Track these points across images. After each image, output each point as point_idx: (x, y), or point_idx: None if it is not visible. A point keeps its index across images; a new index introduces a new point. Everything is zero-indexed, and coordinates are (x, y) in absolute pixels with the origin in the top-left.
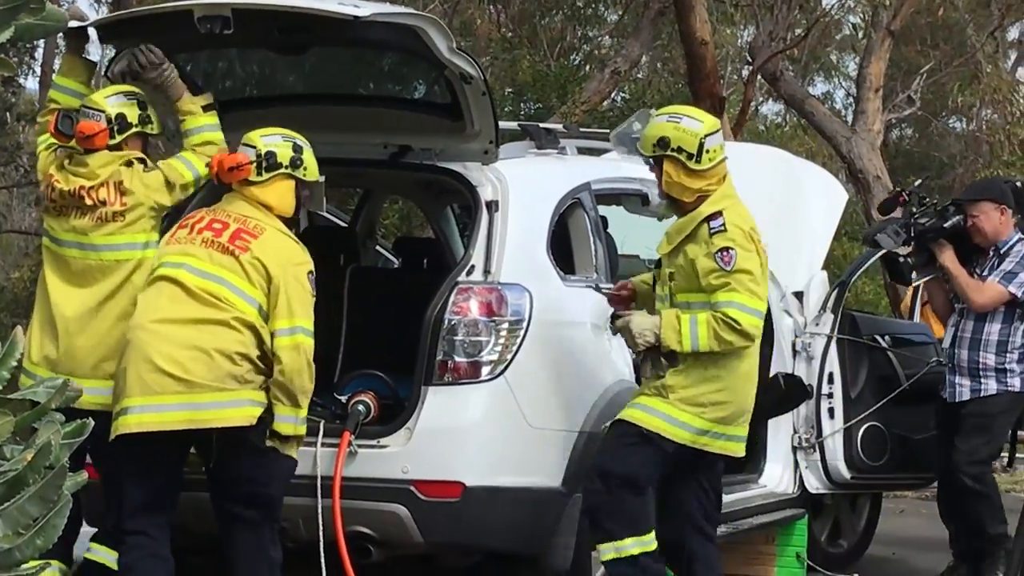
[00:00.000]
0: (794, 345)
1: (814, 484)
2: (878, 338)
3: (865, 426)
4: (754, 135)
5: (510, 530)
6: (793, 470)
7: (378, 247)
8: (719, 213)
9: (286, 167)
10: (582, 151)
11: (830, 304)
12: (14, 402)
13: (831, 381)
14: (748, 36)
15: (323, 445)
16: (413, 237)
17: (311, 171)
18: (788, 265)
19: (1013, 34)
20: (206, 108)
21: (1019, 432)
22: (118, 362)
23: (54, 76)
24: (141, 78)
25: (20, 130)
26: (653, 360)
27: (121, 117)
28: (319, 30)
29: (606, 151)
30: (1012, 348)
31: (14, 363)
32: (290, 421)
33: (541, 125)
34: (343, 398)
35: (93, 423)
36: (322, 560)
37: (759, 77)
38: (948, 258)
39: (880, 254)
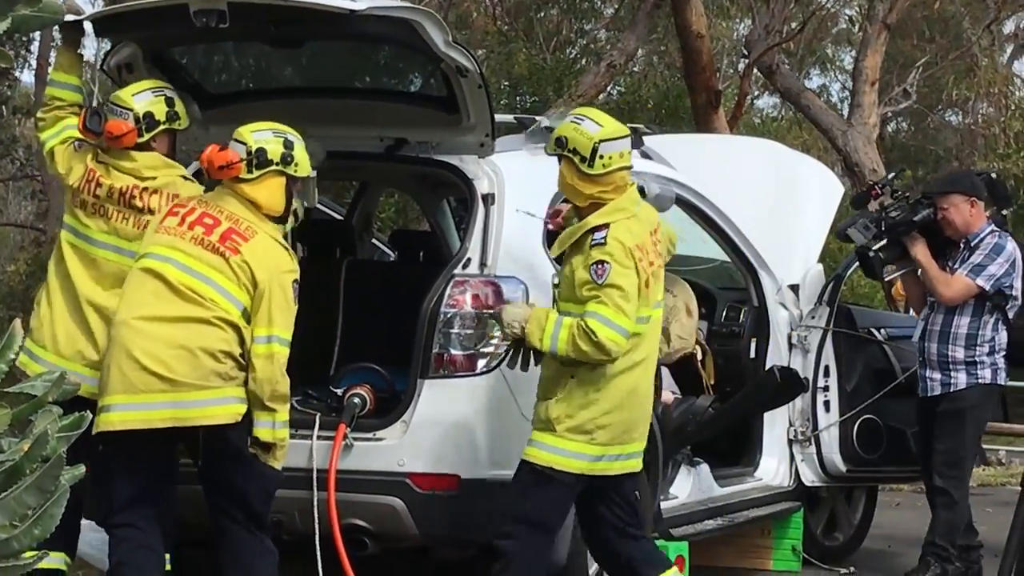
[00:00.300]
0: (790, 338)
1: (810, 477)
2: (874, 331)
3: (861, 419)
4: (750, 128)
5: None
6: (789, 463)
7: (374, 240)
8: (605, 226)
9: (276, 164)
10: None
11: (826, 297)
12: (11, 395)
13: (827, 374)
14: (744, 29)
15: (319, 438)
16: (409, 230)
17: (302, 167)
18: (784, 258)
19: (1009, 27)
20: None
21: (1006, 424)
22: (103, 357)
23: (50, 72)
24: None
25: (16, 123)
26: (521, 354)
27: (149, 115)
28: (315, 24)
29: None
30: (982, 341)
31: (12, 355)
32: (267, 425)
33: (537, 119)
34: (339, 391)
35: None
36: (318, 553)
37: (755, 70)
38: (920, 251)
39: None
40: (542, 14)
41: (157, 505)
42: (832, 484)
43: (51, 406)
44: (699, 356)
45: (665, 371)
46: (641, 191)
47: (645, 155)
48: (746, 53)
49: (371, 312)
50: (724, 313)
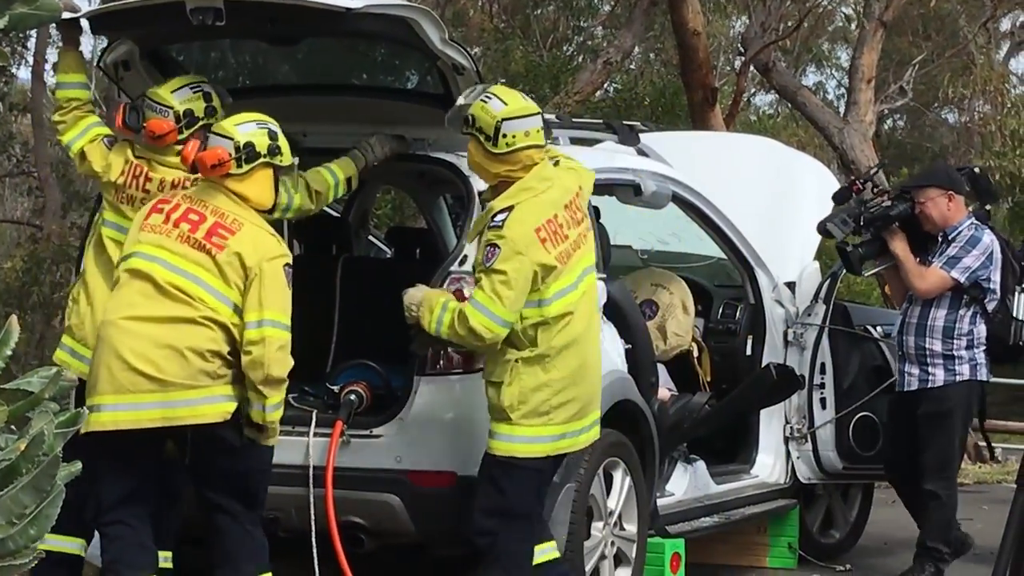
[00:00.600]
0: (786, 335)
1: (806, 474)
2: (870, 328)
3: (857, 416)
4: (746, 126)
5: None
6: (785, 460)
7: (371, 237)
8: (508, 208)
9: (264, 156)
10: (575, 141)
11: (822, 294)
12: (7, 392)
13: (823, 371)
14: (740, 27)
15: (316, 435)
16: (406, 227)
17: (286, 155)
18: (780, 255)
19: (1005, 25)
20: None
21: (988, 421)
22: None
23: (57, 75)
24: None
25: (12, 120)
26: (421, 338)
27: (189, 113)
28: (311, 21)
29: (599, 141)
30: (959, 334)
31: (8, 352)
32: (257, 409)
33: None
34: (336, 388)
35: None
36: (314, 550)
37: (751, 68)
38: (898, 245)
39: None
40: (539, 11)
41: (147, 503)
42: (828, 481)
43: (48, 403)
44: (695, 353)
45: (661, 368)
46: (636, 188)
47: (642, 152)
48: (742, 51)
49: (368, 309)
50: (720, 310)
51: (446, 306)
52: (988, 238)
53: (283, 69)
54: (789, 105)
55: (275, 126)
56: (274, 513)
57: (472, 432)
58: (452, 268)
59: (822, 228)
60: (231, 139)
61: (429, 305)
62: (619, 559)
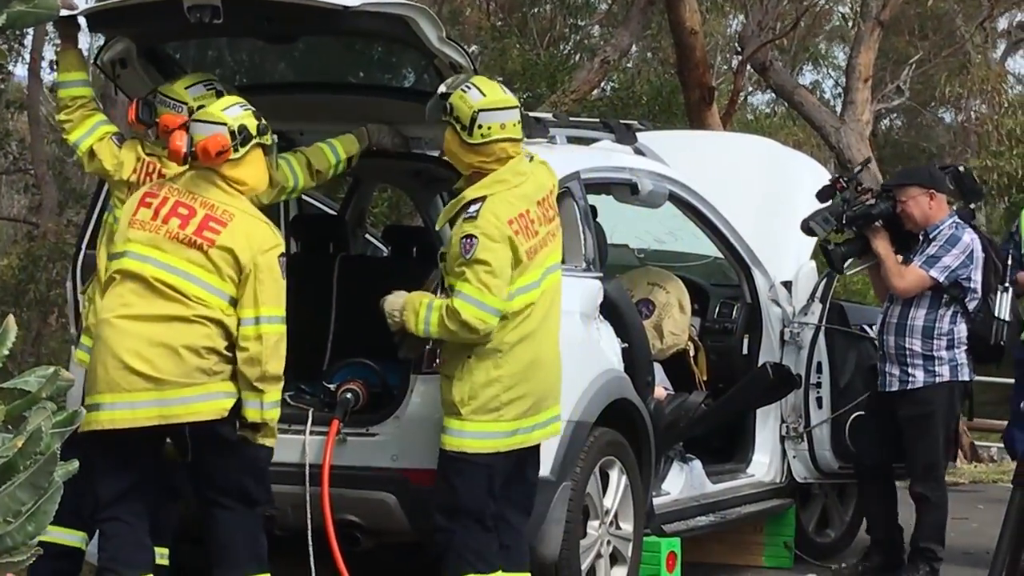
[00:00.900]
0: (782, 335)
1: (802, 473)
2: (866, 328)
3: (853, 416)
4: (743, 125)
5: None
6: (781, 459)
7: (367, 235)
8: (481, 199)
9: (256, 136)
10: (571, 140)
11: (818, 294)
12: (5, 391)
13: (819, 370)
14: (737, 26)
15: (312, 433)
16: (402, 225)
17: (268, 135)
18: (777, 255)
19: (1002, 24)
20: None
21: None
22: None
23: (58, 74)
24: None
25: (9, 117)
26: (408, 342)
27: (202, 108)
28: (308, 19)
29: (596, 140)
30: (939, 334)
31: (6, 351)
32: (254, 407)
33: (531, 114)
34: (332, 386)
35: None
36: (310, 548)
37: (748, 67)
38: (880, 244)
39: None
40: (536, 10)
41: (144, 501)
42: (824, 481)
43: (45, 402)
44: (692, 352)
45: (658, 367)
46: (634, 187)
47: (638, 151)
48: (739, 50)
49: (364, 307)
50: (717, 309)
51: (431, 306)
52: (968, 237)
53: (280, 67)
54: (786, 104)
55: (249, 104)
56: (271, 511)
57: None
58: None
59: (805, 226)
60: (223, 124)
61: (413, 308)
62: (615, 558)
